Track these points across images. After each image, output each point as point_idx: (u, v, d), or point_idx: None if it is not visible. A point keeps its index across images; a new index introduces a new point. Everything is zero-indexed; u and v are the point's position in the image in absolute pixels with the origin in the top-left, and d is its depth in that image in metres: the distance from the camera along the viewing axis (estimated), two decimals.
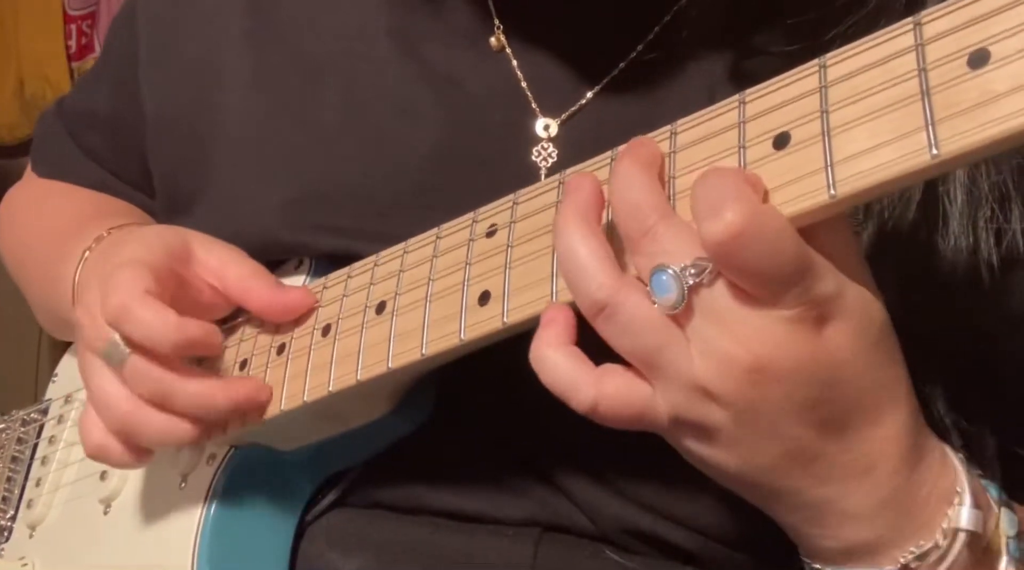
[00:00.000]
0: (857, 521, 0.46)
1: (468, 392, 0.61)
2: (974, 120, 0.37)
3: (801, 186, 0.41)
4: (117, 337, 0.57)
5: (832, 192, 0.40)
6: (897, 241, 0.52)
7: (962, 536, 0.45)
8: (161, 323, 0.56)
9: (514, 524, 0.61)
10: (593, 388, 0.45)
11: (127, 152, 0.80)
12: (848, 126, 0.41)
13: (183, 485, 0.63)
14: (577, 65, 0.61)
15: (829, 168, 0.41)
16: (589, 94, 0.61)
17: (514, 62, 0.63)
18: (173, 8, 0.74)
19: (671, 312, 0.43)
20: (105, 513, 0.68)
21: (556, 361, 0.46)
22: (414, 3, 0.65)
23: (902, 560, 0.46)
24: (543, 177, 0.60)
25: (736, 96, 0.45)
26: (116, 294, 0.56)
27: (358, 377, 0.55)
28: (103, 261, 0.65)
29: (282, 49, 0.68)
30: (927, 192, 0.52)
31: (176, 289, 0.59)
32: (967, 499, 0.46)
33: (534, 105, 0.62)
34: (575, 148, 0.60)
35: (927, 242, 0.52)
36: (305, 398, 0.57)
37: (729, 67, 0.56)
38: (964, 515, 0.45)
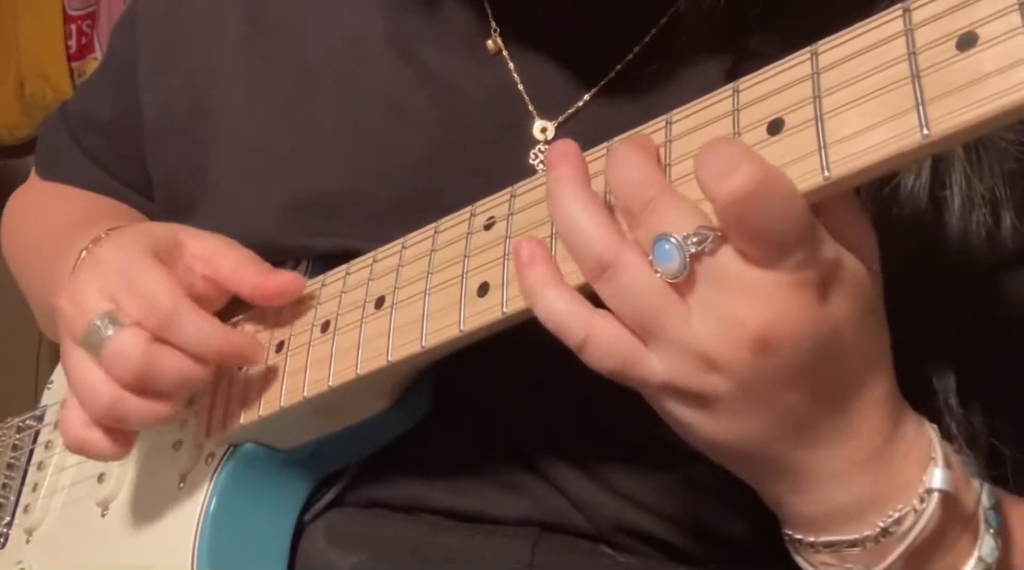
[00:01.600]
0: (839, 483, 0.47)
1: (466, 391, 0.61)
2: (963, 100, 0.38)
3: (795, 169, 0.42)
4: (98, 322, 0.56)
5: (826, 173, 0.41)
6: (895, 241, 0.53)
7: (935, 496, 0.46)
8: (211, 333, 0.57)
9: (512, 523, 0.61)
10: (585, 326, 0.45)
11: (128, 156, 0.80)
12: (840, 110, 0.42)
13: (182, 485, 0.63)
14: (574, 68, 0.62)
15: (823, 151, 0.41)
16: (586, 97, 0.62)
17: (511, 65, 0.63)
18: (172, 15, 0.74)
19: (674, 280, 0.43)
20: (103, 515, 0.68)
21: (551, 296, 0.46)
22: (410, 7, 0.65)
23: (881, 524, 0.46)
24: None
25: (730, 85, 0.46)
26: (159, 298, 0.56)
27: (358, 371, 0.55)
28: (90, 257, 0.65)
29: (279, 54, 0.68)
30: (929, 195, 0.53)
31: None
32: (940, 461, 0.47)
33: (531, 107, 0.62)
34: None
35: (925, 242, 0.53)
36: (305, 393, 0.57)
37: (726, 70, 0.57)
38: (937, 476, 0.46)
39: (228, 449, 0.63)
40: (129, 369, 0.56)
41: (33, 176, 0.89)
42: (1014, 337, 0.55)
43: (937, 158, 0.52)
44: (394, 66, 0.65)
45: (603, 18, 0.62)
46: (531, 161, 0.62)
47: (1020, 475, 0.55)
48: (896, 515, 0.46)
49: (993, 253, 0.53)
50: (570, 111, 0.62)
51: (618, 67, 0.61)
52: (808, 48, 0.44)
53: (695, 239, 0.43)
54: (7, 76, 2.16)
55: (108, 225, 0.72)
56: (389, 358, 0.54)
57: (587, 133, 0.61)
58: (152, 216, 0.82)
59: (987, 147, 0.52)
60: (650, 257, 0.44)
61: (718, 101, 0.46)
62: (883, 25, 0.42)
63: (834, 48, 0.43)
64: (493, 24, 0.64)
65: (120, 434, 0.59)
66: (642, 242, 0.45)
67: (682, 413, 0.46)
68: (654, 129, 0.48)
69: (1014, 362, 0.55)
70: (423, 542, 0.62)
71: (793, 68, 0.44)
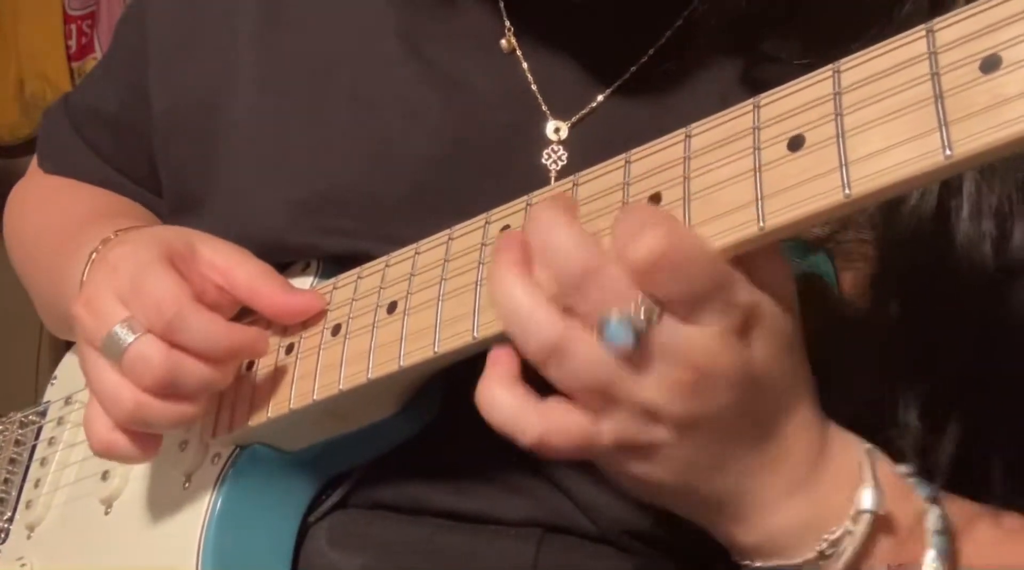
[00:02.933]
0: (775, 510, 0.48)
1: (469, 392, 0.61)
2: (986, 122, 0.39)
3: (816, 186, 0.42)
4: (117, 330, 0.56)
5: (847, 191, 0.41)
6: (903, 250, 0.53)
7: (866, 517, 0.48)
8: (217, 332, 0.57)
9: (515, 525, 0.62)
10: (539, 425, 0.46)
11: (133, 150, 0.80)
12: (862, 128, 0.42)
13: (187, 484, 0.63)
14: (588, 68, 0.62)
15: (844, 169, 0.42)
16: (600, 97, 0.62)
17: (524, 64, 0.63)
18: (184, 9, 0.74)
19: (627, 355, 0.44)
20: (106, 513, 0.68)
21: (501, 398, 0.48)
22: (423, 5, 0.66)
23: (818, 547, 0.48)
24: (553, 180, 0.61)
25: (751, 100, 0.46)
26: (166, 303, 0.56)
27: (369, 376, 0.55)
28: (103, 262, 0.65)
29: (293, 50, 0.68)
30: (937, 204, 0.53)
31: None
32: (869, 481, 0.48)
33: (544, 107, 0.63)
34: (585, 151, 0.61)
35: (933, 251, 0.53)
36: (315, 396, 0.58)
37: (741, 73, 0.57)
38: (867, 496, 0.48)
39: (234, 450, 0.63)
40: (151, 375, 0.56)
41: (34, 168, 0.88)
42: (1018, 347, 0.56)
43: None
44: (407, 64, 0.65)
45: (618, 19, 0.62)
46: (543, 161, 0.62)
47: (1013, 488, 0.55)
48: (831, 537, 0.48)
49: (1001, 263, 0.54)
50: (584, 112, 0.62)
51: (632, 69, 0.61)
52: (830, 66, 0.44)
53: (642, 313, 0.44)
54: (7, 76, 2.16)
55: (116, 225, 0.71)
56: (401, 363, 0.54)
57: (600, 134, 0.62)
58: (156, 211, 0.82)
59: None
60: (599, 335, 0.44)
61: (738, 116, 0.46)
62: (906, 45, 0.42)
63: (857, 67, 0.43)
64: (507, 23, 0.64)
65: (146, 437, 0.60)
66: (587, 318, 0.45)
67: (631, 466, 0.48)
68: (673, 142, 0.48)
69: (1018, 374, 0.55)
70: (426, 543, 0.62)
71: (815, 85, 0.44)
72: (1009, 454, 0.55)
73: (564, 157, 0.62)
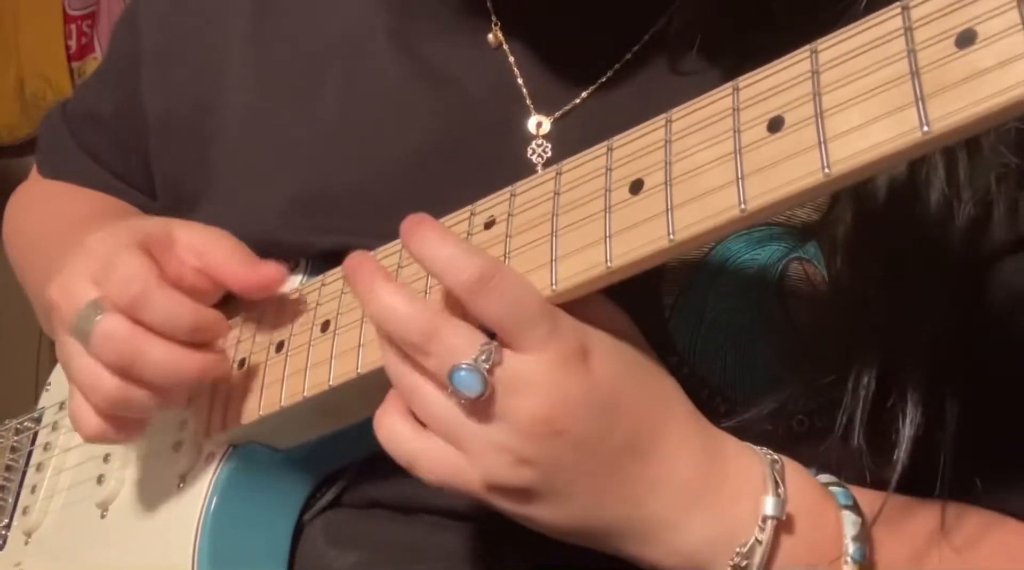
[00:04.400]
0: (677, 528, 0.49)
1: None
2: (963, 97, 0.38)
3: (796, 166, 0.42)
4: (86, 309, 0.56)
5: (826, 170, 0.41)
6: (880, 230, 0.53)
7: (770, 524, 0.48)
8: (181, 309, 0.57)
9: (513, 526, 0.61)
10: (414, 448, 0.50)
11: (129, 154, 0.80)
12: (840, 107, 0.42)
13: (181, 485, 0.63)
14: (573, 63, 0.62)
15: (823, 148, 0.42)
16: (584, 93, 0.62)
17: (511, 59, 0.63)
18: (176, 10, 0.75)
19: (478, 399, 0.47)
20: (102, 517, 0.68)
21: (391, 422, 0.52)
22: (412, 2, 0.66)
23: (732, 561, 0.48)
24: (540, 170, 0.61)
25: (730, 83, 0.46)
26: (133, 281, 0.56)
27: (359, 370, 0.55)
28: (80, 247, 0.64)
29: (284, 48, 0.69)
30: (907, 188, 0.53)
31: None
32: (769, 487, 0.49)
33: (528, 102, 0.63)
34: (569, 145, 0.61)
35: (911, 233, 0.53)
36: (305, 393, 0.57)
37: (726, 69, 0.57)
38: (769, 503, 0.48)
39: (228, 449, 0.63)
40: (116, 351, 0.56)
41: (34, 174, 0.88)
42: (996, 333, 0.55)
43: None
44: (396, 60, 0.66)
45: (604, 14, 0.62)
46: (529, 156, 0.62)
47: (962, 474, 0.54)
48: (743, 549, 0.48)
49: (978, 246, 0.53)
50: (567, 107, 0.62)
51: (616, 66, 0.61)
52: (808, 46, 0.44)
53: (483, 357, 0.47)
54: (7, 76, 2.17)
55: (107, 222, 0.71)
56: None
57: (584, 128, 0.61)
58: (152, 214, 0.81)
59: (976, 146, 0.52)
60: (449, 386, 0.47)
61: (718, 99, 0.46)
62: (882, 23, 0.42)
63: (833, 46, 0.43)
64: (494, 18, 0.64)
65: (126, 421, 0.60)
66: (436, 372, 0.48)
67: (515, 508, 0.49)
68: (654, 127, 0.48)
69: (999, 358, 0.55)
70: (422, 542, 0.62)
71: (793, 66, 0.44)
72: (968, 440, 0.54)
73: (548, 151, 0.62)
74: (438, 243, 0.49)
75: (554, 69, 0.62)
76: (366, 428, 0.62)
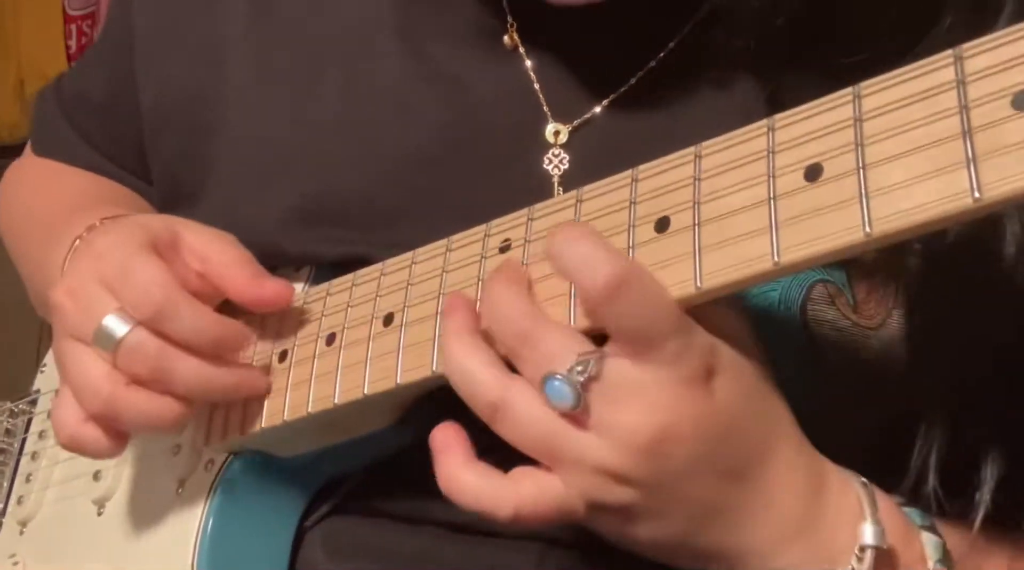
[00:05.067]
0: (773, 557, 0.47)
1: None
2: (1020, 164, 0.36)
3: (834, 222, 0.40)
4: (109, 321, 0.55)
5: (867, 230, 0.39)
6: (943, 267, 0.51)
7: (869, 553, 0.47)
8: (205, 320, 0.55)
9: (515, 537, 0.60)
10: (512, 498, 0.46)
11: (121, 139, 0.78)
12: (885, 161, 0.39)
13: (180, 490, 0.62)
14: (593, 70, 0.59)
15: (864, 203, 0.39)
16: (604, 102, 0.59)
17: (527, 63, 0.61)
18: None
19: (572, 411, 0.44)
20: (99, 514, 0.67)
21: (468, 481, 0.47)
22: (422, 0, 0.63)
23: None
24: (555, 183, 0.59)
25: (764, 121, 0.44)
26: (153, 290, 0.55)
27: (365, 391, 0.54)
28: (88, 250, 0.63)
29: (286, 43, 0.66)
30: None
31: None
32: (868, 516, 0.47)
33: (545, 108, 0.60)
34: (586, 156, 0.59)
35: (976, 270, 0.51)
36: (309, 409, 0.56)
37: (746, 91, 0.55)
38: (868, 532, 0.47)
39: (228, 457, 0.61)
40: (146, 365, 0.55)
41: (28, 150, 0.86)
42: None
43: None
44: (402, 60, 0.63)
45: (626, 22, 0.59)
46: (545, 166, 0.60)
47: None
48: None
49: None
50: (586, 116, 0.60)
51: (640, 73, 0.59)
52: (850, 89, 0.42)
53: (579, 368, 0.44)
54: (7, 76, 2.16)
55: (102, 212, 0.69)
56: (398, 380, 0.52)
57: (602, 138, 0.59)
58: (145, 197, 0.80)
59: None
60: (542, 395, 0.45)
61: (751, 138, 0.44)
62: (933, 72, 0.39)
63: (878, 92, 0.41)
64: (510, 19, 0.61)
65: (115, 432, 0.58)
66: (531, 379, 0.46)
67: (612, 527, 0.47)
68: (682, 162, 0.46)
69: None
70: (425, 553, 0.61)
71: (834, 110, 0.42)
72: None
73: (566, 161, 0.59)
74: (575, 238, 0.45)
75: (573, 75, 0.60)
76: (369, 440, 0.61)
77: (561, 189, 0.59)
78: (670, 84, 0.58)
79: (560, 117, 0.60)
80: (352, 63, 0.64)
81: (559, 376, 0.44)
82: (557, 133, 0.60)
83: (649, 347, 0.43)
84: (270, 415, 0.58)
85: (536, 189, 0.58)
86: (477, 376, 0.47)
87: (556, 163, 0.59)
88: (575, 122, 0.60)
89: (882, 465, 0.51)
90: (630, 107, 0.59)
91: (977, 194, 0.37)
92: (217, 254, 0.59)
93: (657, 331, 0.43)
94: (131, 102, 0.74)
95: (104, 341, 0.55)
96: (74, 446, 0.59)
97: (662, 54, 0.58)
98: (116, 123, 0.78)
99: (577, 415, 0.45)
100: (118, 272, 0.56)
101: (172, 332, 0.55)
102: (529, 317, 0.46)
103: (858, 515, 0.47)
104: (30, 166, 0.86)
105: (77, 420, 0.57)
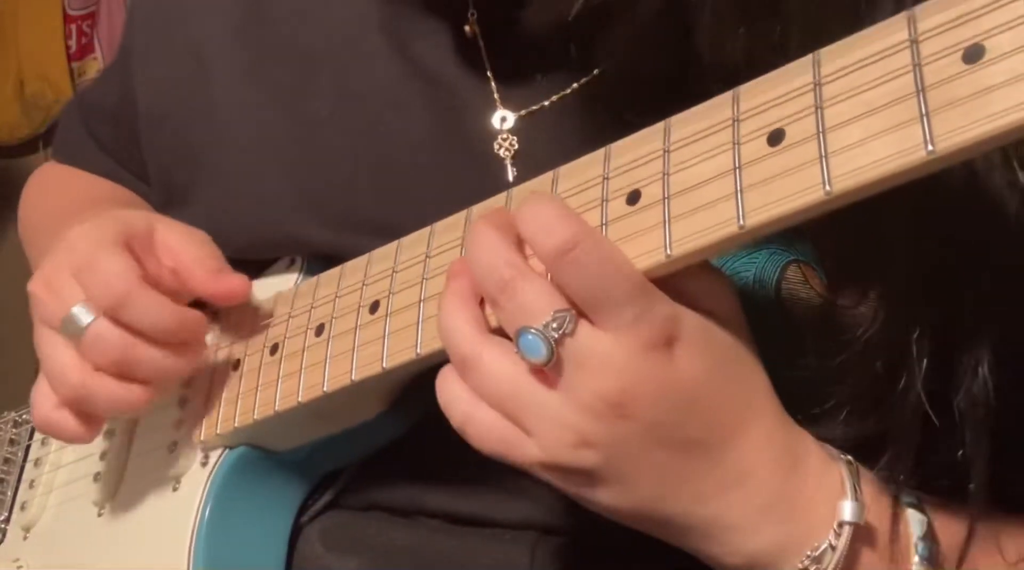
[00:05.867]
0: (745, 532, 0.47)
1: None
2: (969, 115, 0.37)
3: (796, 182, 0.41)
4: (76, 310, 0.57)
5: (827, 188, 0.40)
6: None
7: (847, 529, 0.46)
8: (162, 311, 0.57)
9: (511, 526, 0.61)
10: (464, 410, 0.47)
11: (128, 144, 0.81)
12: (843, 123, 0.40)
13: (176, 486, 0.63)
14: (548, 61, 0.61)
15: (824, 164, 0.40)
16: (553, 98, 0.61)
17: (483, 52, 0.62)
18: (160, 6, 0.74)
19: (544, 366, 0.45)
20: (99, 515, 0.67)
21: (452, 379, 0.48)
22: None
23: (800, 564, 0.46)
24: (508, 166, 0.61)
25: (729, 92, 0.45)
26: (116, 282, 0.57)
27: (352, 377, 0.54)
28: (63, 240, 0.64)
29: (275, 43, 0.68)
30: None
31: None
32: (849, 493, 0.47)
33: (496, 96, 0.62)
34: (537, 140, 0.61)
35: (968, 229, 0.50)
36: (300, 398, 0.57)
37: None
38: (847, 508, 0.47)
39: (223, 452, 0.62)
40: (109, 355, 0.57)
41: (52, 158, 0.91)
42: None
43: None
44: (387, 57, 0.65)
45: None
46: (496, 150, 0.61)
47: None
48: (814, 553, 0.46)
49: None
50: (533, 108, 0.61)
51: (595, 71, 0.60)
52: (810, 55, 0.43)
53: (554, 324, 0.44)
54: (7, 76, 2.18)
55: (99, 212, 0.71)
56: (384, 365, 0.53)
57: (549, 127, 0.61)
58: (152, 202, 0.81)
59: None
60: (515, 346, 0.45)
61: (718, 107, 0.45)
62: (888, 35, 0.40)
63: (837, 57, 0.42)
64: (472, 9, 0.63)
65: (87, 417, 0.60)
66: (507, 327, 0.46)
67: (573, 488, 0.47)
68: (652, 135, 0.47)
69: None
70: (421, 546, 0.62)
71: (795, 76, 0.43)
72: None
73: (515, 142, 0.61)
74: (537, 204, 0.46)
75: (524, 67, 0.61)
76: (362, 431, 0.61)
77: (514, 170, 0.61)
78: (620, 83, 0.58)
79: (508, 104, 0.62)
80: (342, 60, 0.65)
81: (534, 330, 0.44)
82: (504, 119, 0.62)
83: (606, 312, 0.44)
84: (262, 406, 0.59)
85: (491, 174, 0.60)
86: (457, 330, 0.47)
87: (506, 147, 0.61)
88: (522, 111, 0.61)
89: (862, 440, 0.51)
90: (581, 99, 0.60)
91: (931, 147, 0.38)
92: (186, 251, 0.61)
93: (611, 296, 0.44)
94: (134, 108, 0.76)
95: (71, 329, 0.58)
96: (48, 429, 0.61)
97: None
98: (124, 129, 0.81)
99: (547, 372, 0.45)
100: (85, 263, 0.59)
101: (132, 322, 0.57)
102: (510, 266, 0.46)
103: (839, 492, 0.47)
104: (50, 171, 0.90)
105: (51, 405, 0.60)
